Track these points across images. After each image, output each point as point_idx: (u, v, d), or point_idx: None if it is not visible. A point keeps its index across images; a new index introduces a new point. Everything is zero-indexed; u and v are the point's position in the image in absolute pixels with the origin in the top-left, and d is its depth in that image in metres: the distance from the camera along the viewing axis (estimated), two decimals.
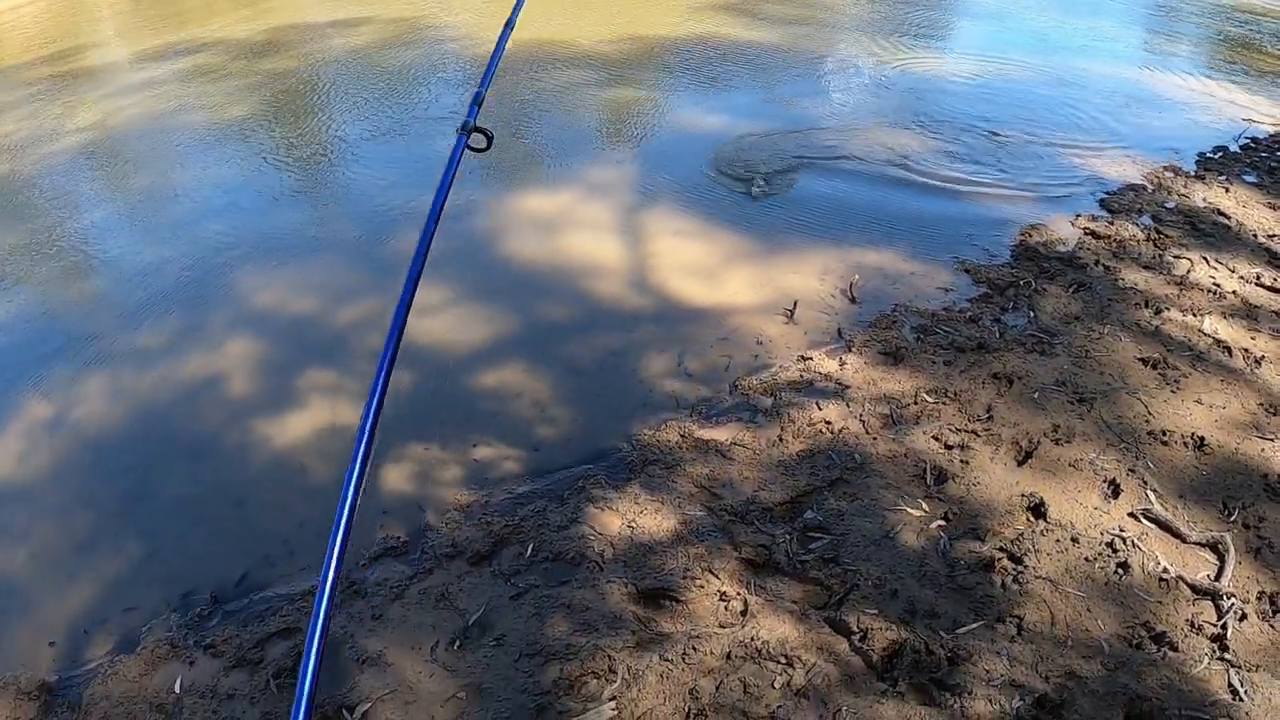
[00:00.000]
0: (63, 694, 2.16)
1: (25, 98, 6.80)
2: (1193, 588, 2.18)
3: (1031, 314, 3.37)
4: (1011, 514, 2.42)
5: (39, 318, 3.80)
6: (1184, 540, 2.32)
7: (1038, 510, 2.42)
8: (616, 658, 2.03)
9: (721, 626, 2.13)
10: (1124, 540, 2.30)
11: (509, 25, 2.14)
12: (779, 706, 1.91)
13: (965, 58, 6.57)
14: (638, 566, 2.32)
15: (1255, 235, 3.88)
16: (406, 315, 1.33)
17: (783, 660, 2.02)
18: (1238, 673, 1.96)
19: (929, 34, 7.33)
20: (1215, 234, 3.90)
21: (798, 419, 2.84)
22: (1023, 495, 2.47)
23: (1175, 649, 2.02)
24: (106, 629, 2.34)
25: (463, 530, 2.49)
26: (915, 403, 2.89)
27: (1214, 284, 3.49)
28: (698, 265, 3.83)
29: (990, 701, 1.90)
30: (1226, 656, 2.00)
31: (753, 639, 2.06)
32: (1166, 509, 2.41)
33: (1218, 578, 2.20)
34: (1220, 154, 4.81)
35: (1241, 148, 4.88)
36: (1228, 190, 4.32)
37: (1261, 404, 2.81)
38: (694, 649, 2.04)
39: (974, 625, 2.10)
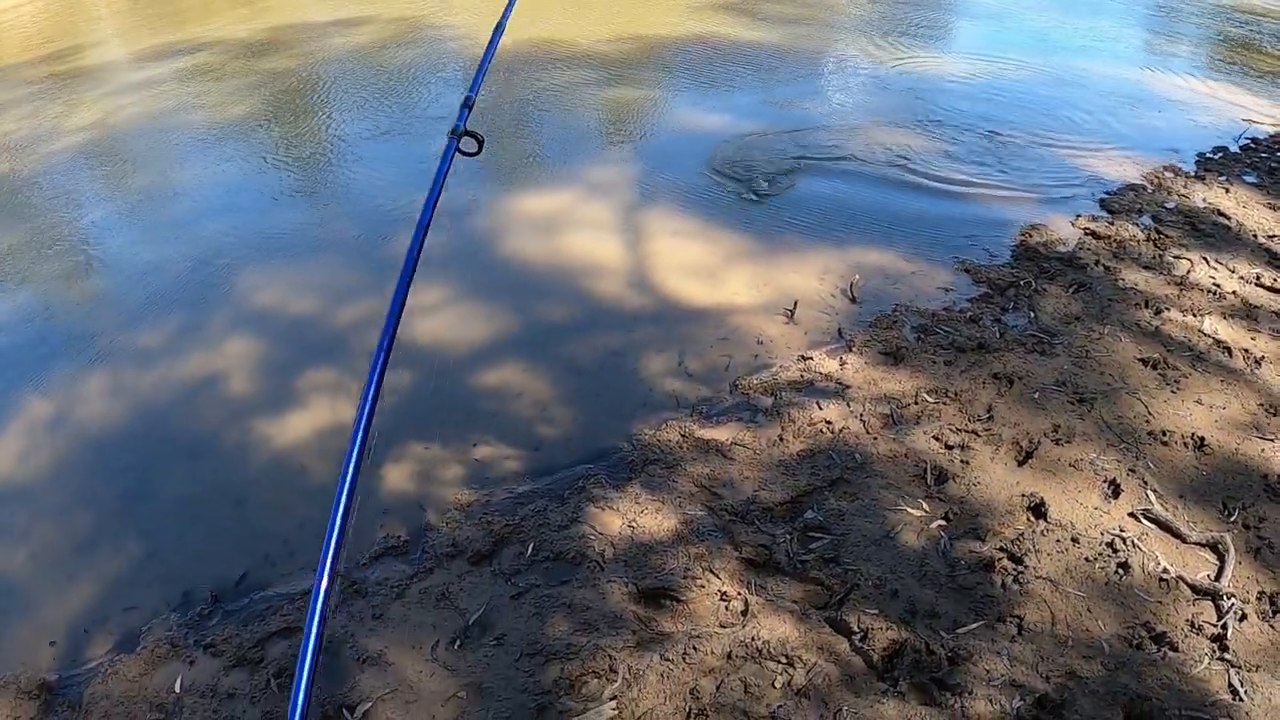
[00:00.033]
0: (63, 693, 2.16)
1: (25, 97, 6.80)
2: (1193, 588, 2.18)
3: (1032, 314, 3.37)
4: (1012, 514, 2.42)
5: (39, 317, 3.80)
6: (1184, 540, 2.32)
7: (1038, 510, 2.43)
8: (617, 657, 2.03)
9: (722, 626, 2.13)
10: (1124, 540, 2.30)
11: (499, 29, 2.14)
12: (779, 706, 1.91)
13: (965, 58, 6.57)
14: (638, 566, 2.32)
15: (1255, 236, 3.88)
16: (398, 323, 1.33)
17: (783, 660, 2.02)
18: (1238, 673, 1.96)
19: (929, 34, 7.33)
20: (1215, 234, 3.90)
21: (798, 419, 2.84)
22: (1023, 495, 2.47)
23: (1175, 649, 2.02)
24: (107, 628, 2.34)
25: (463, 529, 2.49)
26: (916, 403, 2.89)
27: (1214, 284, 3.50)
28: (698, 265, 3.83)
29: (991, 701, 1.90)
30: (1226, 656, 2.00)
31: (753, 639, 2.06)
32: (1167, 509, 2.42)
33: (1218, 578, 2.21)
34: (1220, 154, 4.81)
35: (1241, 148, 4.88)
36: (1228, 190, 4.33)
37: (1261, 404, 2.81)
38: (695, 649, 2.04)
39: (974, 625, 2.10)
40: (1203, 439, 2.64)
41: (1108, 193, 4.38)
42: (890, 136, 5.05)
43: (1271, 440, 2.65)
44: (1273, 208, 4.16)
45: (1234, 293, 3.43)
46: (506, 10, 2.25)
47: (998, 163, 4.73)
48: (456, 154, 1.67)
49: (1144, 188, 4.42)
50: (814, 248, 3.93)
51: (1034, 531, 2.35)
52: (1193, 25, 7.64)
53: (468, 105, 1.79)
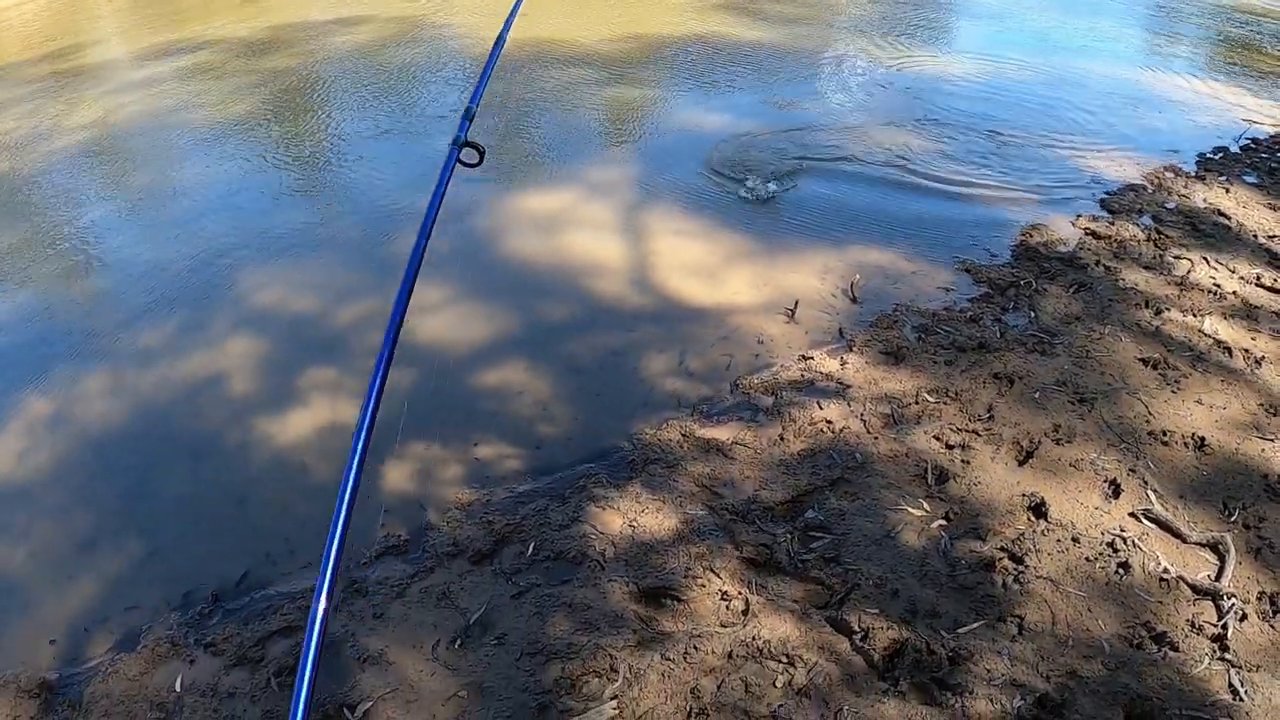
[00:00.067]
0: (63, 692, 2.16)
1: (25, 95, 6.79)
2: (1193, 588, 2.18)
3: (1032, 314, 3.37)
4: (1012, 514, 2.42)
5: (39, 316, 3.80)
6: (1184, 540, 2.33)
7: (1039, 510, 2.43)
8: (618, 657, 2.03)
9: (723, 626, 2.13)
10: (1125, 540, 2.30)
11: (499, 42, 2.14)
12: (780, 706, 1.91)
13: (965, 58, 6.57)
14: (639, 565, 2.32)
15: (1255, 236, 3.89)
16: (397, 334, 1.34)
17: (784, 659, 2.02)
18: (1238, 673, 1.96)
19: (929, 34, 7.33)
20: (1215, 234, 3.90)
21: (799, 418, 2.84)
22: (1024, 495, 2.48)
23: (1176, 649, 2.02)
24: (107, 627, 2.34)
25: (464, 529, 2.49)
26: (916, 402, 2.89)
27: (1214, 284, 3.50)
28: (698, 264, 3.83)
29: (991, 701, 1.91)
30: (1227, 656, 2.00)
31: (754, 638, 2.07)
32: (1167, 509, 2.42)
33: (1218, 578, 2.21)
34: (1220, 154, 4.81)
35: (1242, 148, 4.89)
36: (1228, 191, 4.33)
37: (1262, 404, 2.81)
38: (695, 648, 2.04)
39: (975, 625, 2.10)
40: (1203, 439, 2.64)
41: (1108, 193, 4.38)
42: (890, 136, 5.05)
43: (1272, 440, 2.65)
44: (1273, 208, 4.16)
45: (1234, 293, 3.43)
46: (507, 22, 2.25)
47: (998, 162, 4.73)
48: (457, 165, 1.68)
49: (1144, 188, 4.42)
50: (814, 247, 3.93)
51: (1034, 531, 2.35)
52: (1193, 25, 7.64)
53: (469, 116, 1.80)
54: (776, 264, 3.80)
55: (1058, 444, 2.66)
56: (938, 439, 2.71)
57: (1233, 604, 2.12)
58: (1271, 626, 2.09)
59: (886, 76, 6.17)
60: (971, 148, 4.91)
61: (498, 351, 3.31)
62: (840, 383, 3.02)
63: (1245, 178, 4.51)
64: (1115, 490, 2.48)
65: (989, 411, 2.82)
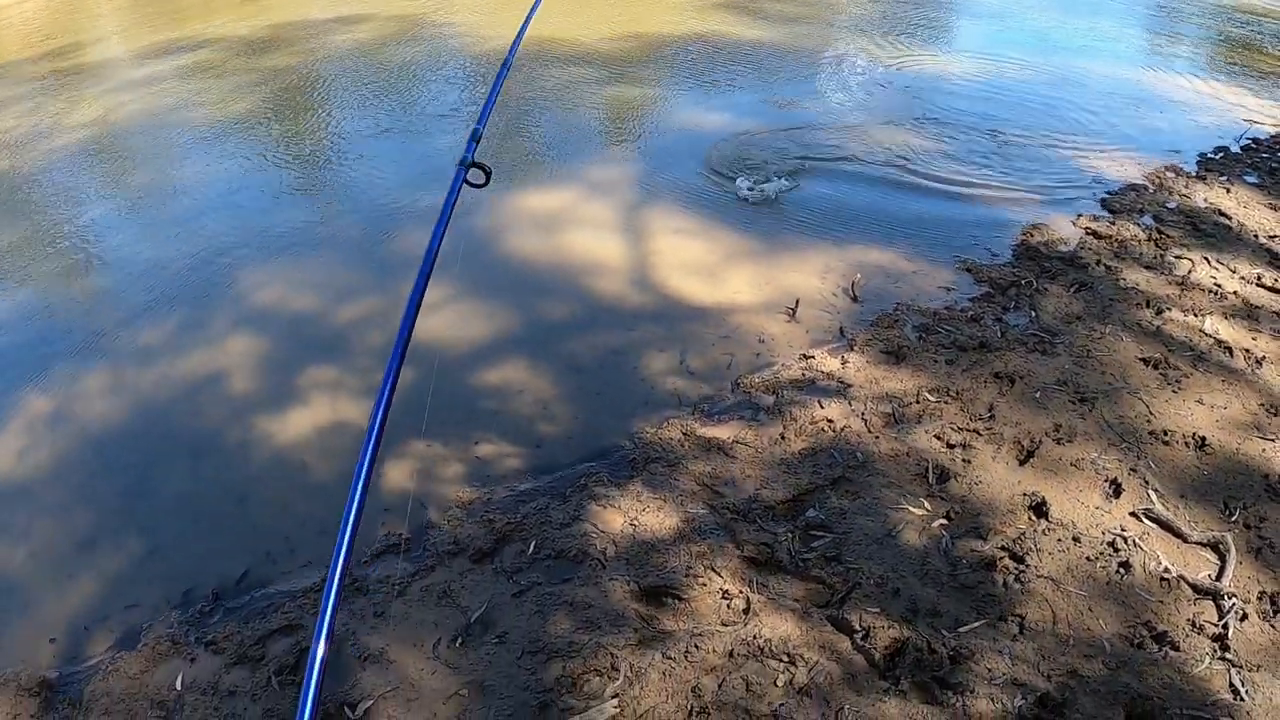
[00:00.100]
0: (63, 690, 2.16)
1: (26, 94, 6.78)
2: (1194, 587, 2.18)
3: (1033, 313, 3.37)
4: (1013, 513, 2.42)
5: (40, 315, 3.79)
6: (1185, 540, 2.33)
7: (1039, 509, 2.43)
8: (619, 655, 2.03)
9: (724, 624, 2.13)
10: (1125, 540, 2.30)
11: (505, 65, 2.16)
12: (781, 704, 1.91)
13: (966, 57, 6.57)
14: (640, 564, 2.32)
15: (1256, 236, 3.89)
16: (405, 350, 1.34)
17: (785, 658, 2.02)
18: (1239, 672, 1.96)
19: (929, 33, 7.33)
20: (1216, 234, 3.90)
21: (800, 417, 2.84)
22: (1024, 494, 2.48)
23: (1176, 648, 2.02)
24: (107, 626, 2.34)
25: (465, 527, 2.49)
26: (917, 401, 2.89)
27: (1215, 284, 3.50)
28: (699, 264, 3.82)
29: (992, 700, 1.90)
30: (1227, 656, 2.00)
31: (755, 637, 2.06)
32: (1168, 509, 2.42)
33: (1219, 577, 2.21)
34: (1221, 154, 4.81)
35: (1243, 148, 4.89)
36: (1229, 191, 4.33)
37: (1262, 404, 2.81)
38: (696, 647, 2.04)
39: (976, 624, 2.10)
40: (1204, 439, 2.64)
41: (1109, 192, 4.38)
42: (891, 136, 5.05)
43: (1272, 440, 2.65)
44: (1273, 208, 4.16)
45: (1235, 293, 3.43)
46: (513, 47, 2.26)
47: (999, 162, 4.73)
48: (464, 186, 1.69)
49: (1145, 188, 4.42)
50: (815, 247, 3.93)
51: (1035, 531, 2.35)
52: (1193, 25, 7.64)
53: (475, 138, 1.80)
54: (777, 263, 3.80)
55: (1059, 443, 2.66)
56: (939, 438, 2.71)
57: (1233, 604, 2.12)
58: (1272, 626, 2.09)
59: (887, 76, 6.17)
60: (972, 147, 4.91)
61: (498, 350, 3.31)
62: (841, 382, 3.02)
63: (1246, 178, 4.51)
64: (1116, 490, 2.48)
65: (990, 411, 2.82)
